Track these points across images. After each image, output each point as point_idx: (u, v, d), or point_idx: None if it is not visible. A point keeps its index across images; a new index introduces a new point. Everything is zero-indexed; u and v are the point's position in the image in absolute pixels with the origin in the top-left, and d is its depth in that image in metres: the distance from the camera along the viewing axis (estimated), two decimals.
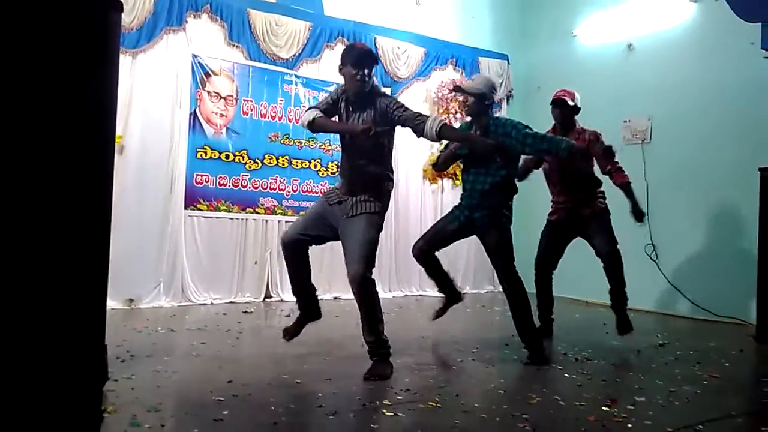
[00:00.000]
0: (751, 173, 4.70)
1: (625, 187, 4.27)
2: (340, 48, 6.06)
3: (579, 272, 6.49)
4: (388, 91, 6.36)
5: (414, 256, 3.94)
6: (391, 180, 3.39)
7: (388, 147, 3.31)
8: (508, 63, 7.27)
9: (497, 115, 7.04)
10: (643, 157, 6.07)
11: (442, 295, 4.04)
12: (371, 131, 3.07)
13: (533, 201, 5.16)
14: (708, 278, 5.54)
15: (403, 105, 3.25)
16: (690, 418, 2.68)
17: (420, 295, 6.46)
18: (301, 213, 5.12)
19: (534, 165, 4.31)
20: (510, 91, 7.31)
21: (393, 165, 3.41)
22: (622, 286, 4.39)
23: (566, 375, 3.41)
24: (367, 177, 3.26)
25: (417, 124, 3.15)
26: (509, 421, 2.55)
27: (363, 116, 3.21)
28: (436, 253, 3.89)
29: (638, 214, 4.27)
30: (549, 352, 3.81)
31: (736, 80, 5.39)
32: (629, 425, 2.55)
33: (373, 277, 3.19)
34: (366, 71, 3.14)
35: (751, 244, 4.65)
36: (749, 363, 4.17)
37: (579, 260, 6.57)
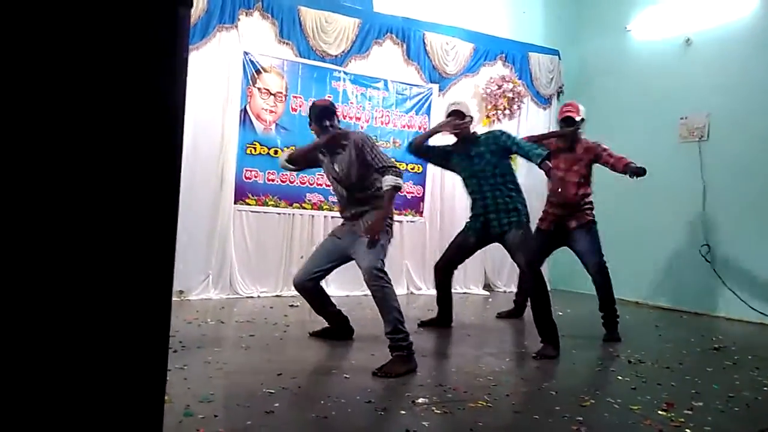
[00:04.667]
0: None
1: (629, 168, 4.32)
2: (389, 44, 6.08)
3: (630, 273, 6.36)
4: (435, 87, 6.35)
5: (435, 271, 4.49)
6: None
7: (372, 173, 3.56)
8: (559, 58, 7.13)
9: (545, 111, 6.98)
10: (700, 156, 5.88)
11: (437, 311, 4.52)
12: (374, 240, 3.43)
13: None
14: (765, 281, 5.33)
15: (374, 143, 3.57)
16: (751, 424, 2.60)
17: (464, 293, 6.41)
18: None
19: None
20: (561, 87, 7.16)
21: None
22: (611, 297, 4.43)
23: (619, 377, 3.33)
24: (364, 201, 3.58)
25: (378, 168, 3.48)
26: (562, 423, 2.50)
27: (344, 156, 3.57)
28: None
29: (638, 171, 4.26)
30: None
31: None
32: (687, 430, 2.47)
33: (385, 269, 3.39)
34: (326, 122, 3.58)
35: None
36: None
37: (630, 261, 6.45)
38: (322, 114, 3.60)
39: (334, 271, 3.89)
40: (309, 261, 3.87)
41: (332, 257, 3.72)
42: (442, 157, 4.32)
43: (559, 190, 4.19)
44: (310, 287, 3.77)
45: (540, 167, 3.74)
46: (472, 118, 4.21)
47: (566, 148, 4.50)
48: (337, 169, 3.62)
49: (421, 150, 4.31)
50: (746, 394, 3.09)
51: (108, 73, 1.05)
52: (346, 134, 3.64)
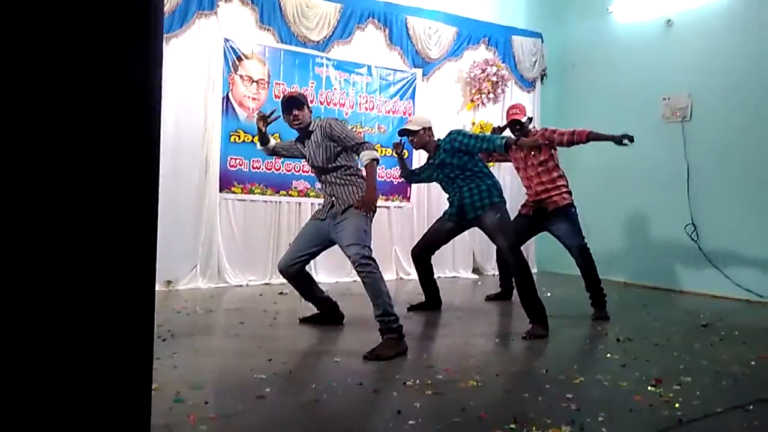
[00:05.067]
0: None
1: (592, 134, 4.36)
2: (371, 29, 6.03)
3: (617, 254, 6.42)
4: (419, 72, 6.32)
5: (412, 257, 4.56)
6: (359, 173, 3.67)
7: (344, 154, 3.62)
8: (542, 41, 7.12)
9: (529, 94, 6.99)
10: (683, 136, 5.92)
11: (424, 295, 4.56)
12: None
13: None
14: (749, 258, 5.39)
15: (342, 124, 3.68)
16: (739, 398, 2.62)
17: (454, 276, 6.43)
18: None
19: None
20: (544, 70, 7.16)
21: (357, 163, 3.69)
22: (596, 276, 4.47)
23: (609, 355, 3.35)
24: (340, 183, 3.61)
25: (351, 146, 3.56)
26: (553, 401, 2.52)
27: (311, 143, 3.65)
28: None
29: (624, 138, 4.25)
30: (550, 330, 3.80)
31: None
32: (677, 405, 2.50)
33: (372, 255, 3.40)
34: (294, 113, 3.61)
35: None
36: None
37: (617, 242, 6.50)
38: (289, 104, 3.63)
39: (322, 256, 3.88)
40: (292, 245, 3.87)
41: (315, 240, 3.71)
42: (423, 178, 4.56)
43: (527, 187, 4.53)
44: (294, 272, 3.76)
45: (506, 153, 3.92)
46: (424, 129, 4.22)
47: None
48: (308, 154, 3.69)
49: (410, 180, 4.74)
50: (734, 368, 3.13)
51: (79, 57, 1.02)
52: (313, 121, 3.69)
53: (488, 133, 4.53)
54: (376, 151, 3.57)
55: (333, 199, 3.61)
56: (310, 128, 3.65)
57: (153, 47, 1.17)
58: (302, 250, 3.73)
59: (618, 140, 4.24)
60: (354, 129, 5.93)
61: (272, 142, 4.02)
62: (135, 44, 1.11)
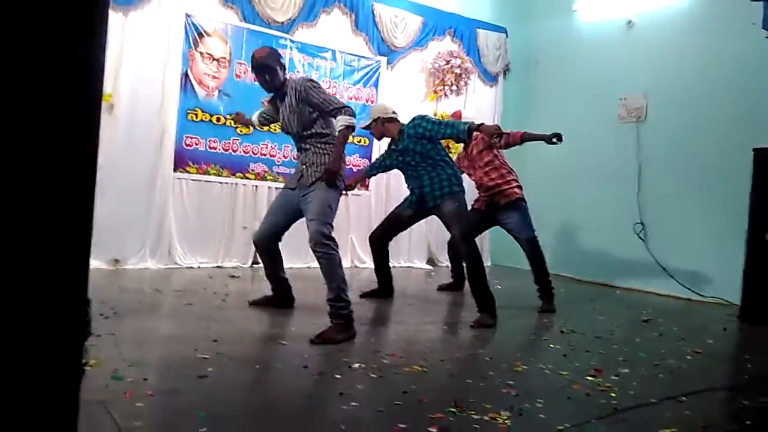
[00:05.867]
0: (745, 154, 4.70)
1: (526, 135, 4.47)
2: (337, 13, 5.99)
3: (567, 250, 6.55)
4: (384, 60, 6.30)
5: (370, 242, 4.56)
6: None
7: (321, 120, 3.46)
8: (507, 36, 7.18)
9: (491, 89, 7.06)
10: (637, 136, 6.06)
11: (377, 282, 4.57)
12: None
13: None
14: (696, 259, 5.56)
15: (319, 87, 3.45)
16: (673, 389, 2.70)
17: (408, 267, 6.47)
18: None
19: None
20: (507, 65, 7.23)
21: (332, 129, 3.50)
22: (545, 269, 4.58)
23: (551, 345, 3.43)
24: (313, 151, 3.46)
25: (329, 111, 3.37)
26: (494, 387, 2.56)
27: (285, 107, 3.49)
28: None
29: (553, 137, 4.30)
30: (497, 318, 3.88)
31: (735, 60, 5.35)
32: (613, 394, 2.56)
33: (332, 234, 3.29)
34: (266, 76, 3.44)
35: (741, 225, 4.65)
36: (732, 341, 4.21)
37: (567, 238, 6.63)
38: (258, 67, 3.46)
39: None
40: (266, 217, 3.78)
41: (287, 211, 3.60)
42: (387, 166, 4.51)
43: (478, 187, 4.67)
44: (270, 246, 3.70)
45: (468, 138, 3.96)
46: (377, 120, 4.26)
47: (465, 147, 4.78)
48: (282, 119, 3.56)
49: (370, 174, 4.82)
50: (671, 362, 3.23)
51: (19, 27, 0.97)
52: (288, 80, 3.52)
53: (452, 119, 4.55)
54: (354, 117, 3.38)
55: (303, 167, 3.46)
56: (284, 89, 3.48)
57: (98, 22, 1.13)
58: (277, 222, 3.64)
59: (548, 139, 4.31)
60: None
61: (255, 116, 3.95)
62: (79, 19, 1.07)
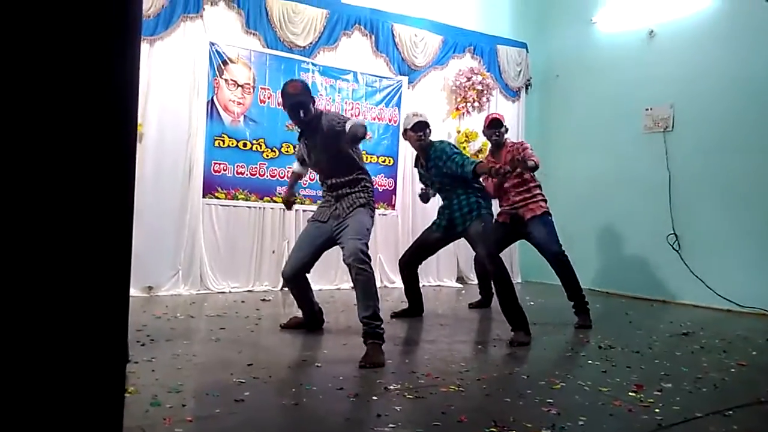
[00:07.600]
0: None
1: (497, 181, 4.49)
2: (357, 36, 6.05)
3: (600, 264, 6.46)
4: (405, 79, 6.33)
5: (400, 268, 4.54)
6: (367, 175, 3.65)
7: (353, 155, 3.55)
8: (527, 51, 7.18)
9: (513, 104, 7.04)
10: (665, 146, 5.97)
11: (407, 302, 4.56)
12: None
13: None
14: (731, 268, 5.43)
15: (340, 116, 3.41)
16: (718, 404, 2.63)
17: (438, 285, 6.43)
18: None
19: None
20: (529, 80, 7.21)
21: (363, 165, 3.66)
22: (577, 284, 4.48)
23: (590, 362, 3.36)
24: (345, 184, 3.55)
25: (343, 126, 3.25)
26: (534, 405, 2.51)
27: (315, 146, 3.53)
28: None
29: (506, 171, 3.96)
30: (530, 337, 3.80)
31: (761, 68, 5.26)
32: (656, 410, 2.50)
33: (369, 253, 3.32)
34: (300, 113, 3.39)
35: None
36: None
37: (599, 252, 6.54)
38: (292, 106, 3.42)
39: None
40: (295, 251, 3.75)
41: (317, 243, 3.62)
42: (433, 187, 4.33)
43: (501, 198, 4.61)
44: (298, 278, 3.71)
45: (475, 177, 3.84)
46: (403, 130, 4.21)
47: (493, 154, 4.71)
48: (311, 157, 3.61)
49: (428, 198, 4.53)
50: (713, 375, 3.14)
51: (58, 57, 0.99)
52: (318, 116, 3.46)
53: (466, 156, 4.29)
54: (365, 127, 3.30)
55: (334, 200, 3.56)
56: (315, 124, 3.44)
57: (129, 47, 1.15)
58: (306, 255, 3.65)
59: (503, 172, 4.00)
60: None
61: (296, 166, 4.00)
62: (110, 45, 1.09)
